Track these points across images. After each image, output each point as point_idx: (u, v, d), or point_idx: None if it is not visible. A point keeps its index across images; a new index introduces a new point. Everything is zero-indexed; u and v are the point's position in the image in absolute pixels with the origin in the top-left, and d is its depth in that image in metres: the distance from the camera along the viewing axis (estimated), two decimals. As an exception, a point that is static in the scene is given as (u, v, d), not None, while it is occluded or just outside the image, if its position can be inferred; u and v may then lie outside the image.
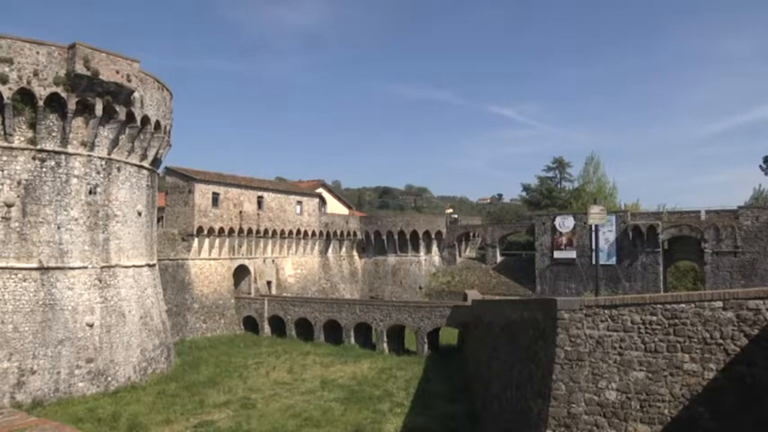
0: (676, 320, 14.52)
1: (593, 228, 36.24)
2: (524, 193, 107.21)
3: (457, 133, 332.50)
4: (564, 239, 65.02)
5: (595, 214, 28.09)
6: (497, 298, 46.95)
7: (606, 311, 15.35)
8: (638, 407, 14.52)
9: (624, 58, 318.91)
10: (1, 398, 28.68)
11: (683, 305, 14.54)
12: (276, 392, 33.60)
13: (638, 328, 14.92)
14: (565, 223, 65.03)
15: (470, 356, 37.87)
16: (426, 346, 44.89)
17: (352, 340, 48.66)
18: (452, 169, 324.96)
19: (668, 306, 14.68)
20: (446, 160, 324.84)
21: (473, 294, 51.71)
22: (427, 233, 75.72)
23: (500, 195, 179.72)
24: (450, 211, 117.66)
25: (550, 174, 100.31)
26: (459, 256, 77.98)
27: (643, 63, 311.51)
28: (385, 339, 46.69)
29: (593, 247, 48.27)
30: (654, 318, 14.78)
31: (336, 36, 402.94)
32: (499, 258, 75.16)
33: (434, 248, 76.83)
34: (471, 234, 79.14)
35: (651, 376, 14.58)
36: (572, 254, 64.35)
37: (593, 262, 46.48)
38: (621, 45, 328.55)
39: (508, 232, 78.72)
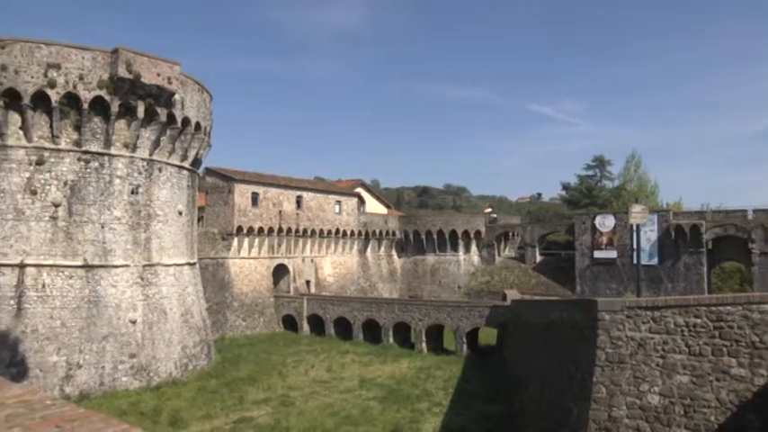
0: (722, 323, 14.09)
1: (635, 227, 35.62)
2: (564, 192, 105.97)
3: (496, 132, 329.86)
4: (604, 239, 63.90)
5: (637, 213, 27.63)
6: (537, 298, 46.44)
7: (648, 313, 15.01)
8: (681, 412, 14.12)
9: (669, 53, 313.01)
10: (51, 389, 29.66)
11: (730, 307, 14.10)
12: (315, 391, 33.73)
13: (682, 331, 14.53)
14: (605, 223, 63.92)
15: (509, 357, 37.54)
16: (465, 346, 44.57)
17: (391, 339, 48.57)
18: (491, 168, 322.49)
19: (713, 308, 14.26)
20: (485, 159, 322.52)
21: (512, 294, 51.25)
22: (466, 232, 75.23)
23: (539, 194, 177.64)
24: (489, 210, 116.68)
25: (590, 172, 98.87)
26: (499, 255, 77.30)
27: (689, 59, 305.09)
28: (424, 339, 46.52)
29: (635, 246, 47.38)
30: (698, 320, 14.37)
31: (375, 36, 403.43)
32: (538, 258, 74.25)
33: (473, 248, 76.27)
34: (510, 233, 78.38)
35: (696, 381, 14.16)
36: (612, 254, 63.20)
37: (635, 262, 45.58)
38: (666, 41, 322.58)
39: (547, 232, 77.77)
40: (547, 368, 21.93)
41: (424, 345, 46.34)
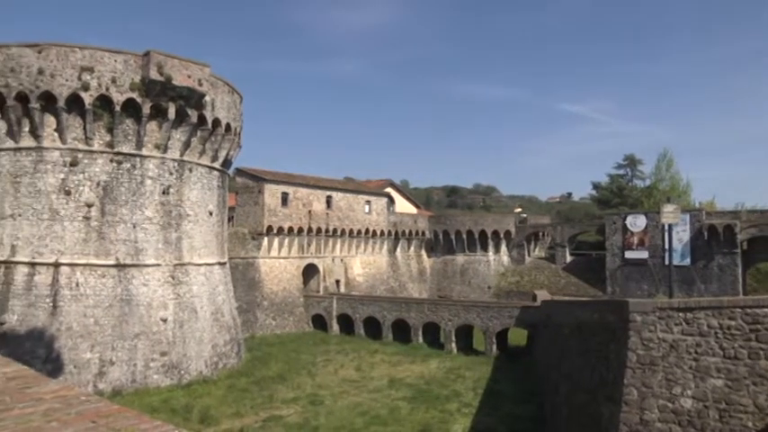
0: (758, 326, 13.72)
1: (667, 227, 35.10)
2: (594, 192, 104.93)
3: (525, 131, 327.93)
4: (635, 239, 62.96)
5: (669, 213, 27.22)
6: (567, 299, 46.03)
7: (681, 314, 14.73)
8: (716, 417, 13.78)
9: (703, 49, 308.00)
10: (85, 385, 30.25)
11: (767, 309, 13.81)
12: (344, 390, 33.81)
13: (716, 333, 14.20)
14: (636, 222, 62.98)
15: (539, 358, 37.24)
16: (495, 347, 44.32)
17: (421, 339, 48.49)
18: (521, 168, 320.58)
19: (749, 310, 13.91)
20: (515, 159, 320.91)
21: (542, 295, 50.87)
22: (496, 232, 74.79)
23: (569, 194, 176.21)
24: (519, 210, 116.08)
25: (621, 171, 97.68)
26: (528, 255, 76.75)
27: (724, 54, 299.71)
28: (453, 339, 46.36)
29: (666, 247, 46.57)
30: (733, 322, 14.04)
31: (403, 36, 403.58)
32: (569, 258, 73.46)
33: (503, 248, 75.78)
34: (540, 233, 77.80)
35: (731, 384, 13.81)
36: (644, 254, 62.23)
37: (666, 263, 44.90)
38: (700, 36, 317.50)
39: (578, 232, 76.94)
40: (577, 370, 21.69)
41: (453, 345, 46.18)
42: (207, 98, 36.39)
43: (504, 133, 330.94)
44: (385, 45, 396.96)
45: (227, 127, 39.18)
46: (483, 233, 74.42)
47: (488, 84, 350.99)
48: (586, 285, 66.71)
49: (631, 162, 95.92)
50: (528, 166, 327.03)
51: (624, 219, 64.16)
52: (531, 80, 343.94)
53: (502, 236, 75.03)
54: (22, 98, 32.25)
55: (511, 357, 43.26)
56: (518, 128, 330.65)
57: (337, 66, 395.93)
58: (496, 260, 75.36)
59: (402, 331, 50.06)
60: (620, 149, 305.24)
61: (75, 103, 32.52)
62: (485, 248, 74.97)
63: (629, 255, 63.22)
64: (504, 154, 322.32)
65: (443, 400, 31.48)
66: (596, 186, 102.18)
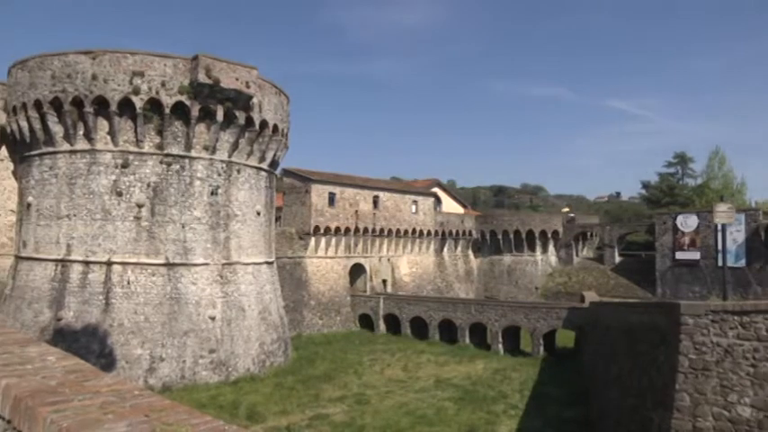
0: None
1: (720, 227, 34.16)
2: (643, 191, 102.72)
3: (573, 130, 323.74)
4: (686, 239, 61.25)
5: (722, 213, 26.37)
6: (616, 300, 45.21)
7: (736, 318, 14.24)
8: (777, 426, 13.33)
9: (755, 43, 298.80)
10: (136, 380, 31.00)
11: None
12: (390, 390, 33.82)
13: (775, 338, 13.77)
14: (687, 222, 61.30)
15: (587, 360, 36.62)
16: (542, 348, 43.78)
17: (467, 340, 48.21)
18: (568, 167, 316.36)
19: (810, 314, 13.47)
20: (562, 158, 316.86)
21: (590, 296, 50.12)
22: (543, 232, 73.89)
23: (618, 193, 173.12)
24: (567, 209, 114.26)
25: (672, 170, 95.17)
26: (576, 256, 75.61)
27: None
28: (500, 340, 45.97)
29: (720, 248, 45.42)
30: (793, 327, 13.60)
31: (447, 35, 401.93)
32: (617, 259, 71.89)
33: (550, 248, 74.81)
34: (588, 233, 76.55)
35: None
36: (696, 255, 60.45)
37: (720, 264, 43.79)
38: (750, 29, 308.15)
39: (627, 232, 75.29)
40: (626, 373, 21.23)
41: (500, 346, 45.80)
42: (254, 100, 36.82)
43: (551, 132, 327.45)
44: (429, 44, 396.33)
45: (275, 128, 39.61)
46: (530, 233, 73.63)
47: (534, 82, 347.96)
48: (635, 287, 65.28)
49: (682, 160, 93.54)
50: (575, 164, 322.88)
51: (675, 218, 62.49)
52: (578, 77, 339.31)
53: (549, 236, 74.14)
54: (77, 103, 33.48)
55: (558, 359, 42.68)
56: (565, 126, 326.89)
57: (381, 65, 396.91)
58: (544, 260, 74.49)
59: (449, 331, 49.87)
60: (668, 147, 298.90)
61: (126, 106, 33.47)
62: (532, 249, 74.16)
63: (679, 255, 61.58)
64: (551, 153, 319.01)
65: (490, 401, 31.19)
66: (645, 185, 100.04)
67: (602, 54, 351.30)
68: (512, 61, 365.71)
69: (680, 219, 61.83)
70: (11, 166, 39.00)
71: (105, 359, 31.41)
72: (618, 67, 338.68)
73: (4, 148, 38.74)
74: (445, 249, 73.86)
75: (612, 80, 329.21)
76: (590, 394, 30.47)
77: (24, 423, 3.56)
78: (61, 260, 33.88)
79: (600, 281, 68.87)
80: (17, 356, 4.99)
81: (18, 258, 36.58)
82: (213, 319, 35.11)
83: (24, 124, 35.17)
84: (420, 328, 52.25)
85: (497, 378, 36.59)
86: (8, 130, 37.10)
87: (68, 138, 34.24)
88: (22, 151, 36.76)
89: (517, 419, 28.04)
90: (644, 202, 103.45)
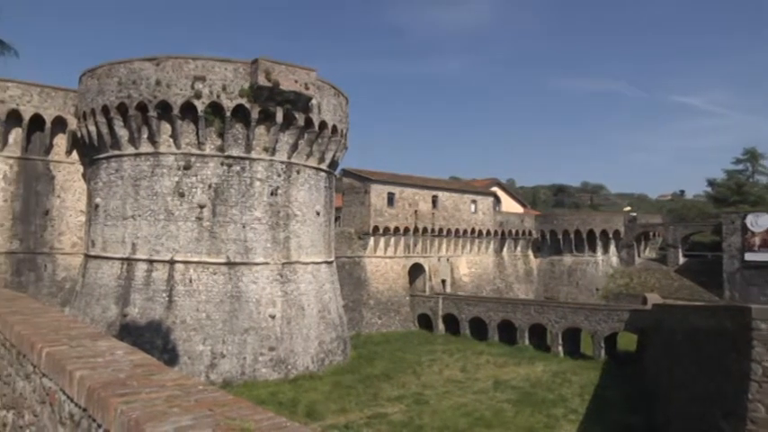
0: None
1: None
2: (709, 189, 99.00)
3: (635, 126, 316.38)
4: (757, 240, 58.80)
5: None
6: (680, 303, 43.78)
7: (813, 322, 13.64)
8: None
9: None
10: (198, 375, 31.89)
11: None
12: (448, 390, 33.72)
13: None
14: (758, 222, 58.87)
15: (650, 364, 35.62)
16: (603, 351, 42.89)
17: (527, 341, 47.61)
18: (630, 165, 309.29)
19: None
20: (623, 155, 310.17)
21: (653, 298, 48.74)
22: (604, 232, 72.33)
23: (682, 192, 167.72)
24: (629, 209, 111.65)
25: (740, 167, 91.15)
26: (638, 256, 73.70)
27: None
28: (560, 342, 45.25)
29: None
30: None
31: (504, 33, 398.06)
32: (681, 260, 69.53)
33: (612, 248, 73.12)
34: (651, 233, 74.54)
35: None
36: (767, 256, 58.60)
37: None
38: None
39: (691, 232, 72.68)
40: (692, 379, 20.49)
41: (560, 348, 45.10)
42: (313, 101, 37.25)
43: (611, 129, 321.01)
44: (485, 43, 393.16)
45: (334, 129, 39.99)
46: (591, 233, 72.23)
47: (594, 78, 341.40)
48: (701, 289, 63.13)
49: (752, 156, 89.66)
50: (637, 162, 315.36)
51: (744, 218, 60.14)
52: (639, 71, 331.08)
53: (611, 236, 72.53)
54: (142, 107, 34.73)
55: (620, 363, 41.59)
56: (626, 122, 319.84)
57: (439, 65, 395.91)
58: (605, 261, 72.98)
59: (508, 332, 49.35)
60: (737, 143, 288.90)
61: (188, 110, 34.53)
62: (593, 249, 72.75)
63: (749, 257, 59.20)
64: (612, 150, 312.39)
65: (549, 404, 30.75)
66: (711, 183, 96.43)
67: (666, 46, 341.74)
68: (570, 57, 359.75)
69: (750, 218, 59.43)
70: (81, 168, 40.65)
71: (168, 354, 32.41)
72: (684, 60, 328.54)
73: (75, 152, 40.33)
74: (504, 249, 73.17)
75: (678, 73, 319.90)
76: (653, 400, 29.70)
77: (98, 412, 3.77)
78: (127, 259, 35.25)
79: (663, 282, 66.98)
80: (89, 350, 5.26)
81: (87, 257, 38.16)
82: (273, 317, 35.70)
83: (93, 129, 36.73)
84: (479, 328, 51.90)
85: (557, 381, 36.05)
86: (78, 134, 38.78)
87: (133, 141, 35.55)
88: (91, 155, 38.37)
89: (576, 424, 27.52)
90: (710, 201, 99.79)
